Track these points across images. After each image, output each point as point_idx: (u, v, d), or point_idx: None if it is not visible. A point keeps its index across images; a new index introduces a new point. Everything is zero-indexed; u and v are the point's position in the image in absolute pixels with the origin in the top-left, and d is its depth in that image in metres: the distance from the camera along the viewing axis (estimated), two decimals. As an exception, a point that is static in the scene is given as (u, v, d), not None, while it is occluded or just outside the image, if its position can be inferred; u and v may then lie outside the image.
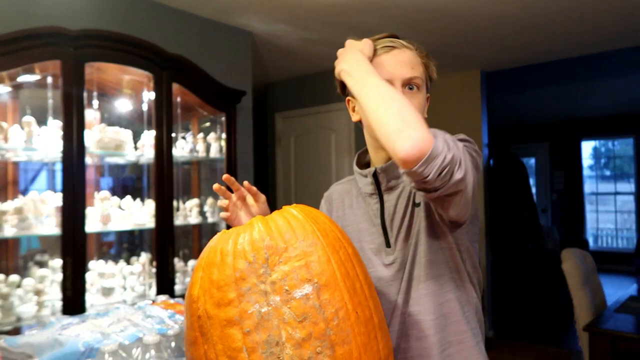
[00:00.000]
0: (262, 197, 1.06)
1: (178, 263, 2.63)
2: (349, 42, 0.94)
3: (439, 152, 0.75)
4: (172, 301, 1.17)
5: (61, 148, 2.07)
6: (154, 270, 2.45)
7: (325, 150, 4.51)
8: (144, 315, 1.04)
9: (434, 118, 4.68)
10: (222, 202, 1.04)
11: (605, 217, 8.12)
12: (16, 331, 2.01)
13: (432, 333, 0.96)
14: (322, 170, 4.53)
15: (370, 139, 1.06)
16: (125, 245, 2.76)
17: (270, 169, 5.00)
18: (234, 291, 0.71)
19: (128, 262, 2.59)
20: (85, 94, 2.13)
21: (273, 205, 3.70)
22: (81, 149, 2.11)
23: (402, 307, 0.98)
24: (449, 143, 0.78)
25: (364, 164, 1.12)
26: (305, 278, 0.72)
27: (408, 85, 0.96)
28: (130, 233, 2.73)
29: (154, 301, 1.18)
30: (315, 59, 4.09)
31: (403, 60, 0.96)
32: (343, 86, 0.99)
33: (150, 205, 2.50)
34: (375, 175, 1.03)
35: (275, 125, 4.89)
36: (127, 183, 2.85)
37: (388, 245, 1.02)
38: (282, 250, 0.73)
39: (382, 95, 0.80)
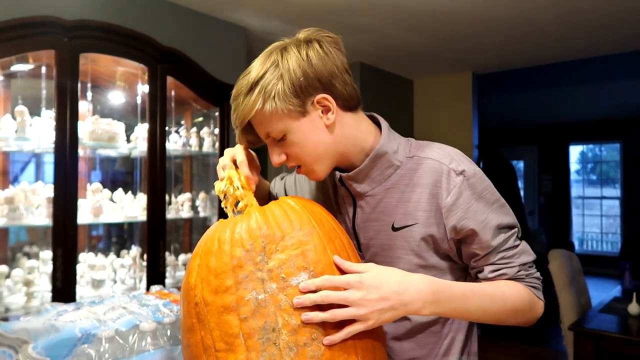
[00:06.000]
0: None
1: (169, 257, 2.63)
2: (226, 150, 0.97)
3: None
4: (166, 291, 1.18)
5: (53, 139, 2.06)
6: (144, 263, 2.45)
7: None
8: (139, 304, 1.04)
9: (426, 119, 4.75)
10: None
11: (591, 221, 8.23)
12: (4, 321, 2.00)
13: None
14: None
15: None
16: (116, 238, 2.75)
17: (262, 164, 4.99)
18: (231, 278, 0.72)
19: (118, 255, 2.58)
20: (79, 85, 2.13)
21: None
22: (74, 140, 2.10)
23: None
24: None
25: None
26: (301, 266, 0.73)
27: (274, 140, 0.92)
28: (121, 226, 2.72)
29: (148, 291, 1.19)
30: (309, 56, 4.08)
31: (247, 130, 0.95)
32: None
33: (142, 198, 2.49)
34: (342, 181, 0.95)
35: (268, 122, 4.88)
36: (119, 176, 2.83)
37: (359, 249, 0.97)
38: (279, 238, 0.75)
39: None
